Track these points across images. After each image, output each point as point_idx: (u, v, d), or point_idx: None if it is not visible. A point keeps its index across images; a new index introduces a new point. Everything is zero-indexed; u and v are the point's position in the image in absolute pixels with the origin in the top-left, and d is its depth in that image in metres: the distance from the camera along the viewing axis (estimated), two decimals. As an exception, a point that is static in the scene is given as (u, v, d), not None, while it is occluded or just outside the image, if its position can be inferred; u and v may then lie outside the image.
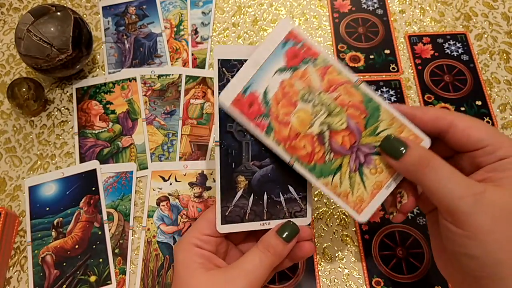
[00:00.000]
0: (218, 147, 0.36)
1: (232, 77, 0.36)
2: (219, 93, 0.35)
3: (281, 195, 0.37)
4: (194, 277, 0.33)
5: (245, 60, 0.36)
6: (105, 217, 0.49)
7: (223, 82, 0.36)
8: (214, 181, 0.50)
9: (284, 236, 0.35)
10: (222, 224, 0.36)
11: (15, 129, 0.55)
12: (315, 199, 0.49)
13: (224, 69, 0.36)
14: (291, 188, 0.38)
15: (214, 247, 0.36)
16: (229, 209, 0.36)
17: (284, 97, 0.34)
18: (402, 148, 0.32)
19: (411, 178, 0.32)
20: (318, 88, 0.34)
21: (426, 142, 0.34)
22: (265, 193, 0.37)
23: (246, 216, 0.37)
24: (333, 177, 0.35)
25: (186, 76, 0.57)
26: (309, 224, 0.38)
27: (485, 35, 0.59)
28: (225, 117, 0.36)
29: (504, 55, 0.57)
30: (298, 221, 0.37)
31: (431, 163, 0.30)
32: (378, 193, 0.35)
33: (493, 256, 0.28)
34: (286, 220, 0.36)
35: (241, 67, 0.36)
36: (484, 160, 0.31)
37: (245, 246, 0.40)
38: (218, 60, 0.36)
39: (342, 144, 0.34)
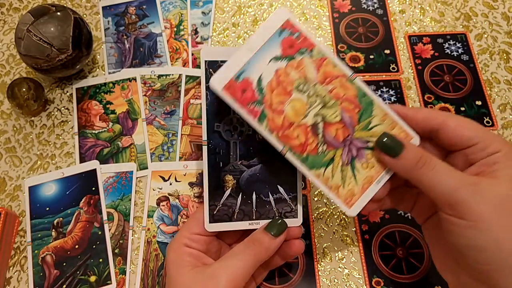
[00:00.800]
0: (206, 146, 0.36)
1: None
2: (206, 93, 0.36)
3: (270, 195, 0.37)
4: (181, 274, 0.34)
5: None
6: (105, 217, 0.49)
7: None
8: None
9: (272, 231, 0.35)
10: (210, 222, 0.36)
11: (15, 129, 0.55)
12: (315, 199, 0.49)
13: (211, 70, 0.37)
14: (280, 188, 0.38)
15: (204, 246, 0.36)
16: (217, 208, 0.37)
17: (278, 85, 0.34)
18: (399, 147, 0.33)
19: (408, 176, 0.33)
20: (314, 79, 0.34)
21: (416, 140, 0.35)
22: (254, 192, 0.37)
23: (235, 216, 0.37)
24: (325, 169, 0.35)
25: (186, 76, 0.57)
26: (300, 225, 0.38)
27: (485, 35, 0.59)
28: (212, 116, 0.37)
29: (504, 55, 0.57)
30: (289, 222, 0.37)
31: (427, 161, 0.32)
32: (369, 187, 0.35)
33: (499, 244, 0.28)
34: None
35: None
36: (476, 157, 0.32)
37: None
38: (205, 61, 0.36)
39: (335, 137, 0.35)
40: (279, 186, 0.38)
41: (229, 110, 0.37)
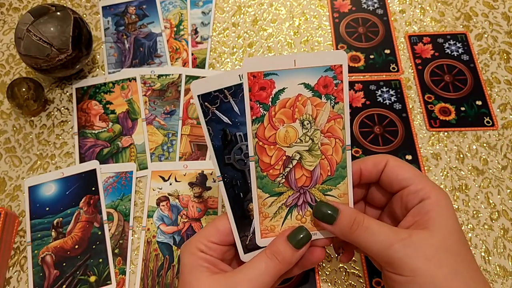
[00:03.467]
0: (222, 182, 0.36)
1: (216, 109, 0.35)
2: (208, 128, 0.35)
3: None
4: (198, 280, 0.33)
5: (225, 88, 0.36)
6: (105, 217, 0.49)
7: (210, 117, 0.35)
8: (215, 181, 0.50)
9: (294, 242, 0.34)
10: (245, 253, 0.36)
11: (15, 129, 0.55)
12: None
13: (206, 103, 0.35)
14: None
15: (220, 254, 0.36)
16: (249, 237, 0.36)
17: (291, 107, 0.35)
18: (334, 213, 0.34)
19: (346, 240, 0.34)
20: (319, 125, 0.35)
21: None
22: None
23: None
24: (270, 197, 0.36)
25: (186, 76, 0.57)
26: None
27: (485, 35, 0.59)
28: (220, 149, 0.36)
29: (504, 55, 0.57)
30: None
31: (360, 222, 0.33)
32: None
33: None
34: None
35: (223, 96, 0.36)
36: (410, 200, 0.34)
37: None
38: (198, 96, 0.35)
39: (297, 179, 0.36)
40: None
41: (236, 139, 0.36)
